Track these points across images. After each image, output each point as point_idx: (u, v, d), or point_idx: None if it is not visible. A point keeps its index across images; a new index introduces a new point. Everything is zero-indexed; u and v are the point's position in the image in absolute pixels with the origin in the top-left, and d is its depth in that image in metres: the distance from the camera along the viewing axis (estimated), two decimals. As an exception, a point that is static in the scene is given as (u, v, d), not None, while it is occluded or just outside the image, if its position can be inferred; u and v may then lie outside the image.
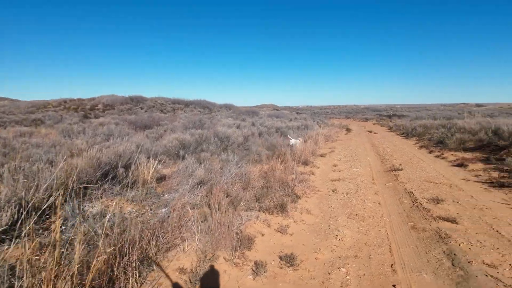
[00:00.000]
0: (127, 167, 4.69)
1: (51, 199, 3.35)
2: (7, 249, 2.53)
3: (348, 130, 18.85)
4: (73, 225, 3.16)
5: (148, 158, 6.29)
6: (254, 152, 8.20)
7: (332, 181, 6.23)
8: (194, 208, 4.05)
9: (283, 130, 11.92)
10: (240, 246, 3.08)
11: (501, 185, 5.40)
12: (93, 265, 2.07)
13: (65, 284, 1.89)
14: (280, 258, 3.00)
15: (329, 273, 2.78)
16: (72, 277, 1.94)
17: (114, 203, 3.95)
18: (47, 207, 3.25)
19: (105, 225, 2.68)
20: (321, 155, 9.22)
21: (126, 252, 2.38)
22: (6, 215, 2.51)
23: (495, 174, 6.17)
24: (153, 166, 4.67)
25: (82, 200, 3.76)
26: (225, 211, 3.84)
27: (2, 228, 2.61)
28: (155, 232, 2.88)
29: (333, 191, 5.46)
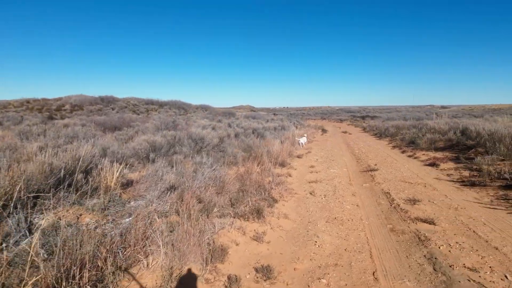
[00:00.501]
0: (87, 172, 4.25)
1: None
2: None
3: (324, 131, 19.04)
4: (16, 241, 2.73)
5: (114, 162, 5.84)
6: (230, 154, 7.92)
7: (309, 182, 6.09)
8: (162, 216, 3.71)
9: (260, 131, 11.73)
10: (212, 259, 2.80)
11: (472, 184, 5.50)
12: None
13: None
14: (256, 270, 2.75)
15: (308, 286, 2.57)
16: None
17: (70, 213, 3.53)
18: (-16, 221, 2.79)
19: (51, 242, 2.31)
20: (298, 156, 9.12)
21: (74, 274, 2.03)
22: None
23: (465, 173, 6.31)
24: (117, 171, 4.27)
25: (31, 211, 3.30)
26: (197, 219, 3.55)
27: None
28: (113, 247, 2.53)
29: (310, 193, 5.30)
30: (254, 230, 3.58)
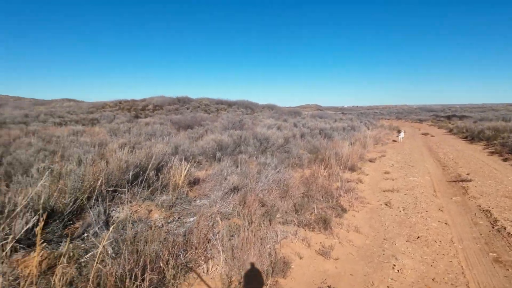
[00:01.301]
0: (159, 169, 4.47)
1: (77, 202, 3.20)
2: (18, 260, 2.34)
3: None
4: (95, 233, 2.95)
5: (184, 159, 6.10)
6: (295, 155, 7.63)
7: (384, 191, 5.41)
8: (224, 218, 3.64)
9: (327, 132, 11.12)
10: (273, 272, 2.58)
11: None
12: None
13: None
14: (322, 291, 2.44)
15: (386, 321, 2.15)
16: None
17: (142, 208, 3.72)
18: (70, 211, 3.09)
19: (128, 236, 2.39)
20: (370, 160, 8.31)
21: (137, 274, 2.03)
22: (21, 222, 2.32)
23: None
24: (185, 169, 4.38)
25: (109, 204, 3.58)
26: (259, 225, 3.38)
27: (17, 236, 2.43)
28: (175, 248, 2.51)
29: (386, 204, 4.68)
30: (320, 243, 3.25)
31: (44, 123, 14.74)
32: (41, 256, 2.49)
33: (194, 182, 4.95)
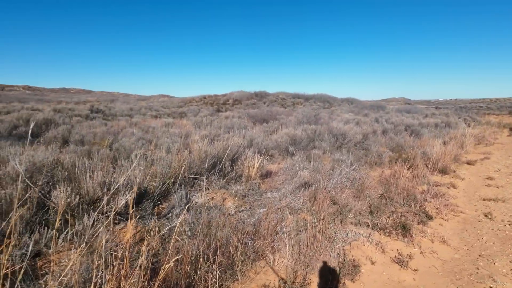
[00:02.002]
0: (233, 161, 4.73)
1: (164, 186, 3.64)
2: (120, 229, 2.80)
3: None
4: (177, 214, 3.31)
5: (258, 153, 6.31)
6: (374, 153, 7.09)
7: (484, 200, 4.59)
8: (294, 213, 3.65)
9: (415, 128, 9.95)
10: (340, 273, 2.48)
11: None
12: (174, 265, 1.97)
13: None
14: (395, 303, 2.23)
15: None
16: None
17: (218, 195, 4.01)
18: (159, 193, 3.53)
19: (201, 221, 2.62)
20: (468, 163, 7.13)
21: (209, 256, 2.21)
22: (123, 199, 2.77)
23: None
24: (258, 162, 4.54)
25: (190, 189, 3.97)
26: (328, 223, 3.28)
27: (119, 210, 2.91)
28: (244, 236, 2.64)
29: (486, 215, 3.97)
30: (397, 250, 2.97)
31: (144, 116, 17.04)
32: (135, 229, 2.94)
33: (266, 175, 5.08)
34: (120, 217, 2.85)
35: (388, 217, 3.73)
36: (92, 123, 10.50)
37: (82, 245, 1.67)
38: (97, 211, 2.26)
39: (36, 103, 23.91)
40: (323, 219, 3.39)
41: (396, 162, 6.43)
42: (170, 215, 3.29)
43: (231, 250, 2.46)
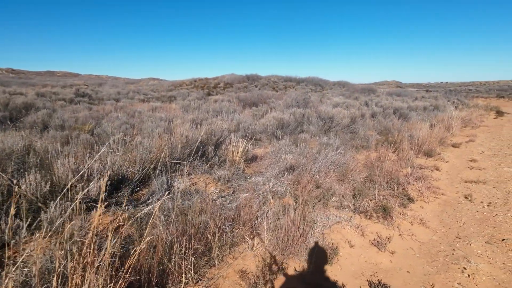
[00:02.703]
0: (217, 146, 4.66)
1: (144, 171, 3.55)
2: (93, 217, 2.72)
3: (500, 113, 14.39)
4: (158, 199, 3.25)
5: (245, 137, 6.23)
6: (362, 136, 7.09)
7: (466, 182, 4.65)
8: (277, 197, 3.63)
9: (403, 112, 9.97)
10: (318, 257, 2.48)
11: None
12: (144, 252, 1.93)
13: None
14: (370, 285, 2.25)
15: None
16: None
17: (201, 181, 3.96)
18: (138, 179, 3.45)
19: (175, 206, 2.57)
20: (454, 145, 7.20)
21: (184, 242, 2.17)
22: (94, 185, 2.68)
23: None
24: (242, 146, 4.47)
25: (172, 175, 3.89)
26: (309, 207, 3.28)
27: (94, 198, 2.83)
28: (222, 222, 2.60)
29: (466, 197, 4.02)
30: (376, 232, 2.99)
31: (131, 100, 16.66)
32: (112, 216, 2.87)
33: (252, 159, 5.03)
34: (94, 204, 2.76)
35: (371, 200, 3.74)
36: (76, 107, 10.21)
37: (43, 233, 1.59)
38: (65, 198, 2.18)
39: (19, 86, 23.06)
40: (304, 203, 3.39)
41: (382, 145, 6.45)
42: (149, 201, 3.23)
43: (209, 236, 2.42)
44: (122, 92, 22.22)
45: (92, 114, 7.65)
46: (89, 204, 2.76)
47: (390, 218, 3.23)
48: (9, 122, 6.45)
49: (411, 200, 3.78)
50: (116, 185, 3.24)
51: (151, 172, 3.66)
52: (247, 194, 3.64)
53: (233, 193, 3.77)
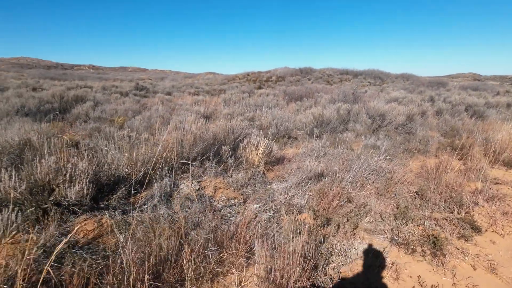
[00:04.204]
0: (236, 145, 4.16)
1: (144, 172, 3.22)
2: (82, 221, 2.46)
3: None
4: (154, 205, 2.90)
5: (275, 134, 5.63)
6: (420, 137, 5.92)
7: None
8: (294, 212, 3.00)
9: (479, 109, 8.23)
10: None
11: None
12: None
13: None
14: None
15: None
16: None
17: (211, 184, 3.51)
18: (137, 181, 3.14)
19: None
20: (548, 154, 5.56)
21: (145, 271, 1.73)
22: (76, 188, 2.40)
23: None
24: (263, 146, 3.89)
25: (182, 176, 3.52)
26: (335, 229, 2.60)
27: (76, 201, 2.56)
28: (205, 247, 2.10)
29: None
30: (418, 277, 2.18)
31: (182, 93, 17.14)
32: (98, 223, 2.58)
33: (277, 161, 4.44)
34: (75, 208, 2.50)
35: (417, 225, 2.87)
36: (125, 100, 10.68)
37: None
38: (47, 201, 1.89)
39: (93, 80, 25.71)
40: (325, 222, 2.71)
41: (445, 150, 5.27)
42: (145, 206, 2.89)
43: (184, 262, 1.94)
44: (176, 86, 23.18)
45: (132, 107, 7.80)
46: (72, 208, 2.50)
47: (441, 256, 2.37)
48: (58, 113, 6.86)
49: (477, 230, 2.80)
50: (112, 186, 2.97)
51: (154, 173, 3.32)
52: (258, 205, 3.09)
53: (244, 201, 3.24)
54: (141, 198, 3.03)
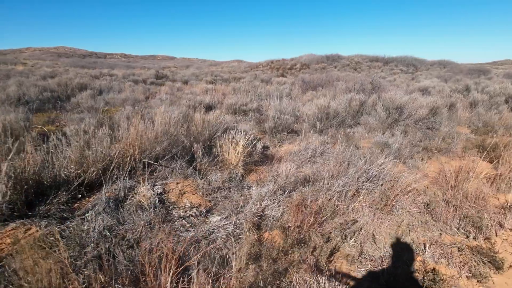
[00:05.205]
0: (213, 141, 3.66)
1: (88, 174, 2.84)
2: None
3: None
4: (98, 214, 2.51)
5: (273, 128, 5.06)
6: (444, 134, 5.06)
7: None
8: (254, 228, 2.48)
9: (523, 100, 7.03)
10: None
11: None
12: None
13: None
14: None
15: None
16: None
17: (177, 188, 3.07)
18: (81, 183, 2.75)
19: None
20: None
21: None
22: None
23: None
24: (242, 144, 3.36)
25: (144, 177, 3.11)
26: (310, 253, 2.07)
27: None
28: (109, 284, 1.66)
29: None
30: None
31: (200, 81, 16.84)
32: (24, 233, 2.24)
33: (265, 161, 3.90)
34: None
35: (416, 254, 2.23)
36: (135, 88, 10.52)
37: None
38: None
39: (121, 69, 26.28)
40: (293, 245, 2.17)
41: (471, 150, 4.43)
42: (87, 214, 2.50)
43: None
44: (196, 74, 22.97)
45: (134, 96, 7.54)
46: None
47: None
48: (58, 102, 6.75)
49: (497, 265, 2.11)
50: (56, 189, 2.61)
51: (111, 174, 2.92)
52: (220, 217, 2.59)
53: (208, 210, 2.77)
54: (89, 203, 2.66)
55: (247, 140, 3.43)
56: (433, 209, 2.80)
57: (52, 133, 2.88)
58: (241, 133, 3.48)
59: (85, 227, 2.26)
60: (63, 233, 2.23)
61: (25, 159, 2.41)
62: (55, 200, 2.54)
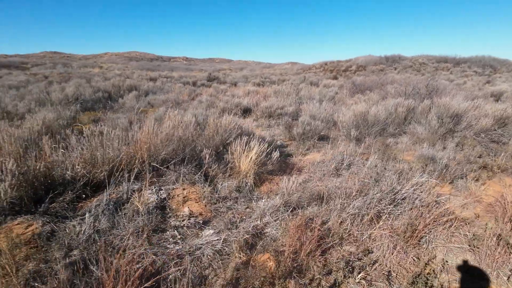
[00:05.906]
0: (225, 147, 3.48)
1: (91, 174, 2.87)
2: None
3: None
4: (97, 216, 2.52)
5: (302, 134, 4.72)
6: (513, 150, 4.14)
7: None
8: (257, 247, 2.22)
9: None
10: None
11: None
12: None
13: None
14: None
15: None
16: None
17: (181, 194, 2.96)
18: (86, 183, 2.79)
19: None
20: None
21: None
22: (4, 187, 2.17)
23: None
24: (255, 152, 3.12)
25: (151, 181, 3.07)
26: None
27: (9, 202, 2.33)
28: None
29: None
30: None
31: (248, 83, 16.98)
32: (25, 229, 2.33)
33: (283, 169, 3.60)
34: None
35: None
36: (183, 89, 10.97)
37: None
38: None
39: (180, 71, 28.07)
40: (287, 275, 1.88)
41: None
42: (86, 215, 2.52)
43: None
44: (247, 75, 23.31)
45: (175, 98, 7.80)
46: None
47: None
48: (108, 102, 7.31)
49: None
50: (62, 188, 2.70)
51: (121, 176, 2.93)
52: (212, 231, 2.39)
53: (207, 221, 2.59)
54: (91, 204, 2.69)
55: (263, 147, 3.17)
56: (476, 246, 2.22)
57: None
58: (258, 139, 3.25)
59: (77, 228, 2.26)
60: (57, 233, 2.27)
61: (38, 157, 2.53)
62: (60, 199, 2.62)
